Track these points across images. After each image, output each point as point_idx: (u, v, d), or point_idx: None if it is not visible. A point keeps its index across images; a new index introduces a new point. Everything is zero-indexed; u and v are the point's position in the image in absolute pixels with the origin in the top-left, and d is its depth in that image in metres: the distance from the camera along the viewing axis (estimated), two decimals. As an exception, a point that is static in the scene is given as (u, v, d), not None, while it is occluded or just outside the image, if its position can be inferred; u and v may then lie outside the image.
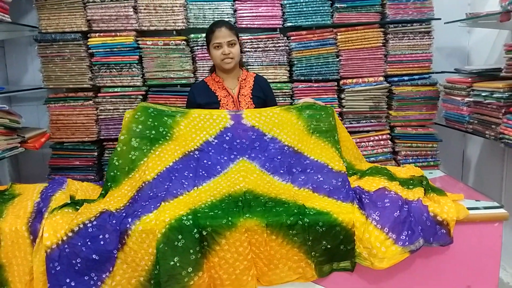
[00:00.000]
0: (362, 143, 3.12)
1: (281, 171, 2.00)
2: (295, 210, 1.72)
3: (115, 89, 3.02)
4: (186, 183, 1.91)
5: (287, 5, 3.01)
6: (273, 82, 3.02)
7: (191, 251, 1.64)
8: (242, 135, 2.09)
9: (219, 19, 2.97)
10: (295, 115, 2.17)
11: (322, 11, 3.03)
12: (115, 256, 1.65)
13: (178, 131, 2.06)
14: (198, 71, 3.06)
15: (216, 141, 2.07)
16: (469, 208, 1.79)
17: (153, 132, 2.03)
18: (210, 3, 3.01)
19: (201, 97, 2.42)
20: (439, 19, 3.06)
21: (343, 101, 3.09)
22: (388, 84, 3.09)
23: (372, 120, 3.15)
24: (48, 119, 3.04)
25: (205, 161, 2.01)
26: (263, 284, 1.72)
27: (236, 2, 3.03)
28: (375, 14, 3.07)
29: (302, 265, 1.71)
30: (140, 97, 3.02)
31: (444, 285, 1.82)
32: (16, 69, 3.30)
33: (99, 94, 3.02)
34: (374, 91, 3.07)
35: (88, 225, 1.66)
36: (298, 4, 3.01)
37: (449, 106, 2.99)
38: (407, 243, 1.68)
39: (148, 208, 1.75)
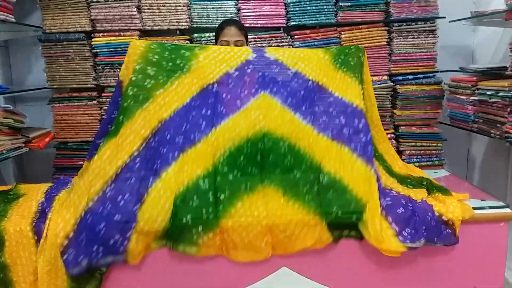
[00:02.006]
0: (366, 143, 3.10)
1: (303, 108, 1.90)
2: (311, 177, 1.75)
3: (119, 89, 3.01)
4: (204, 123, 1.84)
5: (291, 4, 3.00)
6: (276, 82, 3.01)
7: (204, 211, 1.67)
8: (264, 67, 1.96)
9: (223, 18, 2.96)
10: (322, 51, 2.07)
11: (326, 10, 3.02)
12: (136, 213, 1.67)
13: (196, 63, 1.94)
14: (202, 70, 3.06)
15: (236, 73, 1.94)
16: (474, 208, 1.78)
17: (170, 64, 1.92)
18: (214, 2, 3.00)
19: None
20: (444, 17, 3.04)
21: (347, 100, 3.07)
22: (392, 83, 3.07)
23: (376, 119, 3.13)
24: (52, 119, 3.04)
25: (224, 95, 1.90)
26: (279, 253, 1.73)
27: (240, 1, 3.02)
28: (379, 12, 3.05)
29: (317, 229, 1.71)
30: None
31: (449, 285, 1.82)
32: (20, 69, 3.30)
33: (103, 94, 3.01)
34: (378, 90, 3.05)
35: (107, 190, 1.69)
36: (302, 3, 2.99)
37: (454, 105, 2.97)
38: (408, 240, 1.68)
39: (166, 158, 1.75)
